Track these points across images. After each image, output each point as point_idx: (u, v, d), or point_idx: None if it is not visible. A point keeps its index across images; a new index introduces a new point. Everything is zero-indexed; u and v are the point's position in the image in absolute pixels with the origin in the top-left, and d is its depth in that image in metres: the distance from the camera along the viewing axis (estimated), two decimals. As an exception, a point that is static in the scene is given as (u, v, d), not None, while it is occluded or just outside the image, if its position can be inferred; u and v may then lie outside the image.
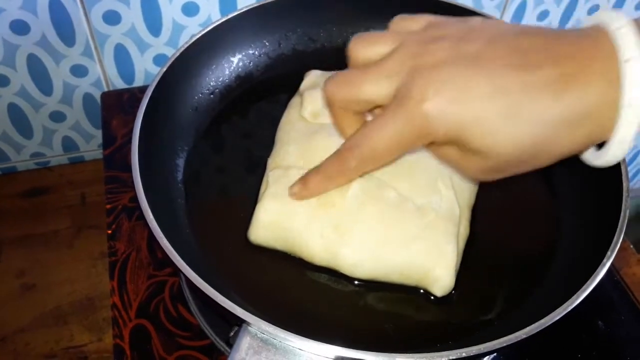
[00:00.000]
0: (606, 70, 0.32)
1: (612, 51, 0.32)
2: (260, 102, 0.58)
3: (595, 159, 0.36)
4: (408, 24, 0.38)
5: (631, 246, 0.69)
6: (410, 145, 0.35)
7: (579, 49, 0.33)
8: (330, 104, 0.39)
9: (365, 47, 0.38)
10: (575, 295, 0.37)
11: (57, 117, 0.75)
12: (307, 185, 0.42)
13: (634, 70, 0.31)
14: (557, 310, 0.36)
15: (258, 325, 0.35)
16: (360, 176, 0.43)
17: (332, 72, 0.54)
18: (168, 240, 0.39)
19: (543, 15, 0.86)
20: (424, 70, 0.34)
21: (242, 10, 0.56)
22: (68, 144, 0.79)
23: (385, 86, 0.35)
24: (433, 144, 0.37)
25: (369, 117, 0.40)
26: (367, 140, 0.36)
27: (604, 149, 0.35)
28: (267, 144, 0.51)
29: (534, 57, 0.33)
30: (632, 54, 0.31)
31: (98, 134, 0.78)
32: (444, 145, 0.37)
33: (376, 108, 0.39)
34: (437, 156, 0.39)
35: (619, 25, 0.32)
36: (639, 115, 0.32)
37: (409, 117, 0.33)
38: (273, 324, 0.36)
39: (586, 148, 0.36)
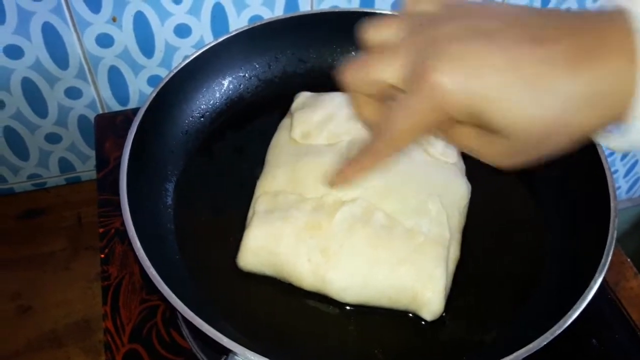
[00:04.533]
0: (624, 46, 0.31)
1: (631, 30, 0.31)
2: (251, 124, 0.58)
3: (620, 141, 0.35)
4: (422, 4, 0.37)
5: (628, 260, 0.68)
6: (432, 122, 0.35)
7: (597, 25, 0.32)
8: (347, 87, 0.39)
9: (377, 30, 0.37)
10: (562, 320, 0.37)
11: (53, 138, 0.76)
12: (344, 174, 0.42)
13: None
14: (544, 336, 0.36)
15: (244, 355, 0.35)
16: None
17: (323, 93, 0.55)
18: (155, 268, 0.39)
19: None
20: (436, 46, 0.33)
21: (233, 33, 0.57)
22: (64, 165, 0.80)
23: (399, 66, 0.35)
24: (453, 127, 0.37)
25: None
26: (392, 123, 0.36)
27: (626, 129, 0.34)
28: (257, 167, 0.51)
29: (551, 32, 0.32)
30: None
31: (94, 154, 0.78)
32: (464, 128, 0.36)
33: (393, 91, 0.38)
34: (456, 142, 0.38)
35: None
36: None
37: (426, 93, 0.33)
38: (260, 353, 0.36)
39: (602, 127, 0.35)
